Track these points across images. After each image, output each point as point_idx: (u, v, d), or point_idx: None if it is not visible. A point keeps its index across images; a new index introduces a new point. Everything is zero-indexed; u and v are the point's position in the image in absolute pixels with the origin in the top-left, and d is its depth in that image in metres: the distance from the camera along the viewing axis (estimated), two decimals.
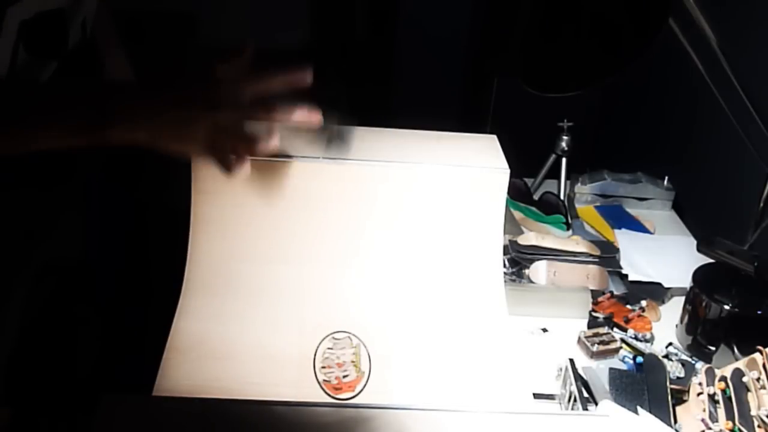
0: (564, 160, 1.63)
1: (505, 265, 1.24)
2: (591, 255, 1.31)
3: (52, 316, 1.17)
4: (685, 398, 1.03)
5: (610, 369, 1.05)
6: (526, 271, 1.27)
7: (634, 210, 1.58)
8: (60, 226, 1.12)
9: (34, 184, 1.03)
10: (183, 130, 0.84)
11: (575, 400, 0.99)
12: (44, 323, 1.16)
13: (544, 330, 1.20)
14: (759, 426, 0.92)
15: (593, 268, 1.28)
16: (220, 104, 0.84)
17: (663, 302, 1.28)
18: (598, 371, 1.05)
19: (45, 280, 1.12)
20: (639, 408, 0.96)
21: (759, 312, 1.11)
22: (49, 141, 0.84)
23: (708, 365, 1.05)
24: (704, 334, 1.14)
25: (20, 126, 0.84)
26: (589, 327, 1.18)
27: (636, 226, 1.51)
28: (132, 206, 1.32)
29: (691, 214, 1.59)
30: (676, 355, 1.12)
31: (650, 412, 0.96)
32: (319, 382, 0.97)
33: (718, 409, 0.95)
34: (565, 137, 1.63)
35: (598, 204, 1.59)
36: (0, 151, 0.84)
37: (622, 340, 1.14)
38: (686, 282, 1.19)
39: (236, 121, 0.85)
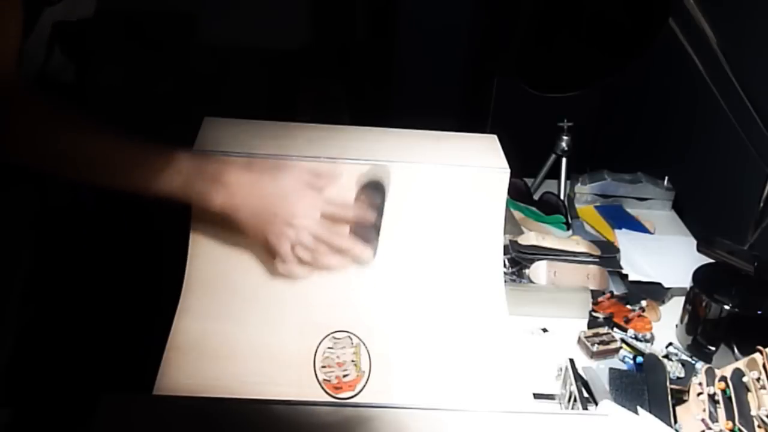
0: (564, 160, 1.63)
1: (505, 265, 1.24)
2: (591, 255, 1.31)
3: (47, 315, 1.18)
4: (685, 398, 1.03)
5: (610, 369, 1.05)
6: (526, 271, 1.27)
7: (634, 210, 1.58)
8: (44, 223, 1.12)
9: (26, 182, 1.04)
10: (266, 231, 0.99)
11: (575, 400, 0.99)
12: (41, 323, 1.16)
13: (544, 330, 1.20)
14: (759, 426, 0.92)
15: (593, 268, 1.28)
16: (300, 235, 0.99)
17: (663, 302, 1.28)
18: (598, 371, 1.05)
19: (38, 279, 1.13)
20: (639, 408, 0.96)
21: (759, 312, 1.11)
22: (141, 191, 0.96)
23: (708, 365, 1.05)
24: (704, 334, 1.14)
25: (130, 174, 0.95)
26: (589, 327, 1.18)
27: (636, 226, 1.51)
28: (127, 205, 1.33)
29: (691, 214, 1.59)
30: (676, 355, 1.12)
31: (650, 412, 0.96)
32: (319, 382, 0.97)
33: (718, 409, 0.95)
34: (565, 137, 1.63)
35: (598, 204, 1.59)
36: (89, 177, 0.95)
37: (622, 340, 1.14)
38: (686, 282, 1.19)
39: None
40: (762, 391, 0.94)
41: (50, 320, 1.20)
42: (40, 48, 0.96)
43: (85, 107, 1.22)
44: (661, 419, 0.94)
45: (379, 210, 1.06)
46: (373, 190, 1.07)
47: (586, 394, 1.00)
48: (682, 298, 1.21)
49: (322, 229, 1.00)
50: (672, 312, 1.24)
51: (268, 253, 1.02)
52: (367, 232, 1.04)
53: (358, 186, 1.07)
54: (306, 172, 1.01)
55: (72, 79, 1.08)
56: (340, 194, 1.05)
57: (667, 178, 1.61)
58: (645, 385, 1.02)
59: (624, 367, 1.09)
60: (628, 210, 1.58)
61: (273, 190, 0.99)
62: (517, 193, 1.56)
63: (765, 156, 1.33)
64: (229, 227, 1.00)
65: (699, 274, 1.18)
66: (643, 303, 1.25)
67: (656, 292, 1.28)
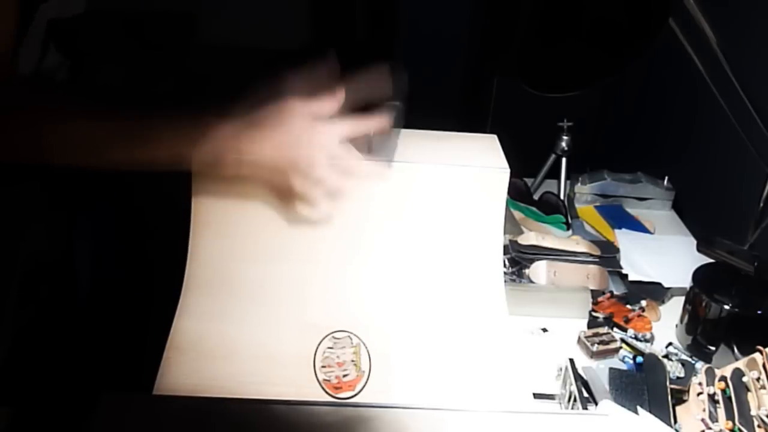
0: (564, 160, 1.63)
1: (505, 265, 1.24)
2: (591, 255, 1.31)
3: (46, 315, 1.17)
4: (685, 398, 1.03)
5: (610, 369, 1.05)
6: (526, 271, 1.27)
7: (634, 210, 1.58)
8: (47, 223, 1.12)
9: (20, 181, 1.04)
10: (277, 180, 0.95)
11: (575, 400, 0.99)
12: (40, 323, 1.16)
13: (544, 330, 1.20)
14: (759, 426, 0.91)
15: (593, 268, 1.28)
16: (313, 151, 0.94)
17: (663, 302, 1.28)
18: (598, 371, 1.05)
19: (36, 279, 1.13)
20: (639, 408, 0.96)
21: (759, 312, 1.11)
22: (139, 166, 0.92)
23: (708, 365, 1.05)
24: (704, 334, 1.14)
25: (137, 152, 0.92)
26: (589, 327, 1.18)
27: (636, 226, 1.51)
28: (122, 204, 1.33)
29: (691, 214, 1.59)
30: (676, 355, 1.12)
31: (650, 412, 0.96)
32: (319, 382, 0.97)
33: (718, 409, 0.95)
34: (565, 137, 1.63)
35: (598, 204, 1.59)
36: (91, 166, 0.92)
37: (622, 340, 1.14)
38: (686, 282, 1.19)
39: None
40: (762, 391, 0.94)
41: (49, 320, 1.20)
42: (35, 46, 0.96)
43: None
44: (661, 419, 0.94)
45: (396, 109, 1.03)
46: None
47: (586, 394, 1.00)
48: (682, 298, 1.21)
49: (344, 157, 0.96)
50: (672, 312, 1.24)
51: (288, 201, 1.00)
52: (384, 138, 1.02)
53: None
54: (307, 107, 0.96)
55: (67, 77, 1.08)
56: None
57: (667, 178, 1.61)
58: (645, 385, 1.02)
59: (624, 367, 1.09)
60: (628, 210, 1.58)
61: (284, 138, 0.94)
62: (517, 193, 1.56)
63: (765, 156, 1.33)
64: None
65: (699, 274, 1.18)
66: (643, 303, 1.25)
67: (656, 292, 1.28)
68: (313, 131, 0.95)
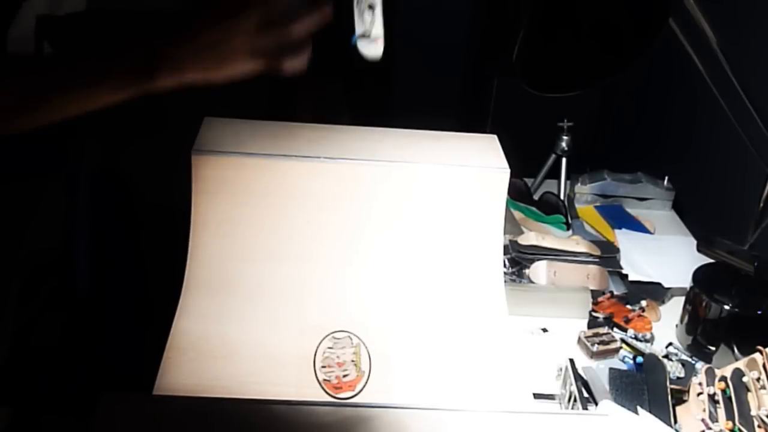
0: (564, 160, 1.63)
1: (505, 265, 1.24)
2: (591, 255, 1.31)
3: (46, 315, 1.17)
4: (685, 398, 1.03)
5: (610, 369, 1.05)
6: (526, 271, 1.27)
7: (634, 210, 1.58)
8: (44, 221, 1.12)
9: (17, 179, 1.04)
10: (226, 51, 0.83)
11: (575, 400, 0.99)
12: (40, 323, 1.16)
13: (544, 330, 1.20)
14: (759, 426, 0.92)
15: (593, 268, 1.28)
16: (255, 11, 0.82)
17: (663, 302, 1.28)
18: (598, 371, 1.05)
19: (36, 279, 1.12)
20: (639, 408, 0.96)
21: (759, 312, 1.11)
22: (102, 100, 0.84)
23: (708, 365, 1.05)
24: (704, 334, 1.14)
25: (70, 92, 0.84)
26: (589, 327, 1.18)
27: (636, 226, 1.51)
28: (119, 201, 1.32)
29: (691, 214, 1.59)
30: (676, 355, 1.12)
31: (650, 412, 0.96)
32: (319, 382, 0.97)
33: (718, 409, 0.95)
34: (565, 137, 1.63)
35: (598, 204, 1.59)
36: (52, 116, 0.85)
37: (622, 340, 1.14)
38: (686, 282, 1.19)
39: (277, 23, 0.83)
40: (762, 391, 0.94)
41: (49, 320, 1.20)
42: (26, 42, 0.95)
43: None
44: (661, 419, 0.94)
45: None
46: None
47: (586, 394, 1.00)
48: (682, 298, 1.21)
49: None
50: (672, 312, 1.24)
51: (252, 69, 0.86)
52: None
53: None
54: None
55: None
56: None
57: (667, 178, 1.61)
58: (645, 385, 1.02)
59: (624, 367, 1.09)
60: (628, 210, 1.58)
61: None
62: (517, 193, 1.56)
63: (765, 156, 1.32)
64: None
65: (699, 274, 1.18)
66: (643, 303, 1.25)
67: (656, 292, 1.28)
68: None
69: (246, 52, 0.83)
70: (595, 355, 1.12)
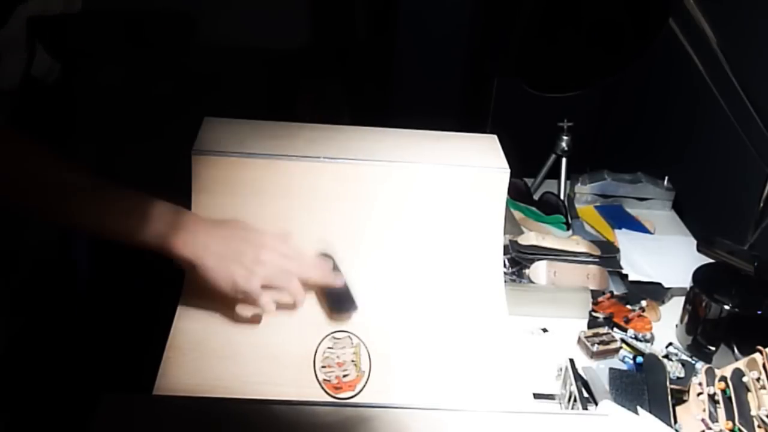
0: (564, 160, 1.63)
1: (505, 265, 1.24)
2: (591, 255, 1.31)
3: (46, 315, 1.17)
4: (685, 398, 1.03)
5: (610, 369, 1.05)
6: (526, 271, 1.27)
7: (634, 210, 1.58)
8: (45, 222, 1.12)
9: None
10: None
11: (575, 400, 0.99)
12: (39, 323, 1.16)
13: (544, 330, 1.20)
14: (759, 426, 0.91)
15: (593, 268, 1.28)
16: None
17: (663, 302, 1.28)
18: (598, 371, 1.05)
19: (35, 279, 1.12)
20: (639, 408, 0.96)
21: (759, 312, 1.11)
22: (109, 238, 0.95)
23: (708, 365, 1.05)
24: (704, 334, 1.14)
25: (91, 219, 0.94)
26: (589, 327, 1.18)
27: (636, 226, 1.51)
28: None
29: (691, 214, 1.59)
30: (676, 355, 1.12)
31: (650, 412, 0.96)
32: (319, 382, 0.97)
33: (718, 409, 0.95)
34: (565, 137, 1.63)
35: (598, 204, 1.59)
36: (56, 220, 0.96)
37: (622, 340, 1.14)
38: (686, 282, 1.19)
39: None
40: (762, 391, 0.94)
41: (49, 320, 1.20)
42: (18, 46, 0.94)
43: (74, 109, 1.22)
44: (661, 419, 0.94)
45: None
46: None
47: (586, 394, 1.00)
48: (682, 298, 1.21)
49: (290, 261, 1.00)
50: (672, 312, 1.24)
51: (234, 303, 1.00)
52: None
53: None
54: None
55: (60, 79, 1.06)
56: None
57: (667, 178, 1.61)
58: (645, 385, 1.02)
59: (624, 367, 1.09)
60: (628, 210, 1.58)
61: (236, 232, 0.99)
62: (517, 193, 1.56)
63: (765, 156, 1.33)
64: (199, 282, 0.99)
65: (699, 274, 1.18)
66: (643, 303, 1.25)
67: (656, 292, 1.28)
68: (266, 233, 1.00)
69: (243, 284, 0.96)
70: (595, 355, 1.12)
